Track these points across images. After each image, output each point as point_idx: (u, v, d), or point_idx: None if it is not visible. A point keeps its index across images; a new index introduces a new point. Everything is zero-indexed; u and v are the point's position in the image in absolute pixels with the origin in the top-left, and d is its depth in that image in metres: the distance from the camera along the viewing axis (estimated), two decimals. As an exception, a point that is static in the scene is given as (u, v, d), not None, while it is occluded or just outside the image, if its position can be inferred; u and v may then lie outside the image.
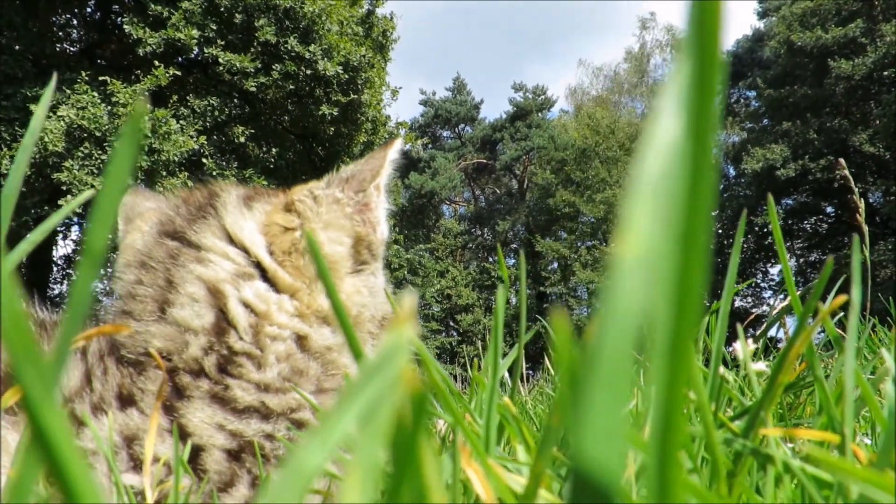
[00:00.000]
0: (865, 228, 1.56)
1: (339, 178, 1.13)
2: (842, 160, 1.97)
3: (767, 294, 26.26)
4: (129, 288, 0.95)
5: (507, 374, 1.52)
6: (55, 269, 16.17)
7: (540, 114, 31.62)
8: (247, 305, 0.96)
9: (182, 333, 0.90)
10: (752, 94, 25.22)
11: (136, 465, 0.80)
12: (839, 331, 0.54)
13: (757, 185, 22.40)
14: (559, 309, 0.19)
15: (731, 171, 26.85)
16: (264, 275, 1.00)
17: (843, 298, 0.43)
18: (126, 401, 0.85)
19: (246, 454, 0.85)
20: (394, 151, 1.18)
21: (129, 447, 0.81)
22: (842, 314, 0.65)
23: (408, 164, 30.18)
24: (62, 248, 16.47)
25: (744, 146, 23.63)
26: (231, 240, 1.01)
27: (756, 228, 23.74)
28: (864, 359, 1.18)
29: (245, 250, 1.01)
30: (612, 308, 0.16)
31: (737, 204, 24.48)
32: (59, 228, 15.07)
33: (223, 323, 0.93)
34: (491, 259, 30.25)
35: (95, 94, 10.84)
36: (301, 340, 0.97)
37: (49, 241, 14.07)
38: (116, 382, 0.85)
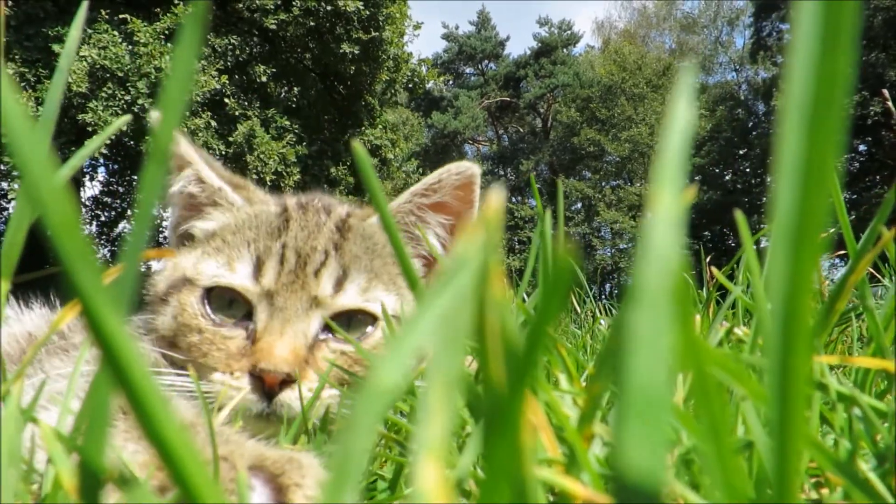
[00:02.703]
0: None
1: None
2: (885, 91, 1.90)
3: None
4: None
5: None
6: (83, 210, 16.39)
7: (565, 50, 30.85)
8: None
9: None
10: (786, 26, 24.31)
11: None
12: None
13: (788, 122, 21.77)
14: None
15: (761, 108, 26.16)
16: None
17: (910, 222, 0.42)
18: None
19: None
20: None
21: None
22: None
23: (430, 103, 29.79)
24: (90, 190, 16.65)
25: (774, 82, 22.93)
26: None
27: (785, 167, 23.19)
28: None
29: None
30: (649, 259, 0.18)
31: (766, 142, 23.91)
32: (85, 170, 15.21)
33: None
34: (514, 199, 30.08)
35: (116, 32, 10.75)
36: None
37: (77, 183, 14.22)
38: None
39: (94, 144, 0.42)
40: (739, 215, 0.40)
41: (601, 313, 2.05)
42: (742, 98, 27.26)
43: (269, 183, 12.43)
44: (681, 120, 0.20)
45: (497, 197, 0.18)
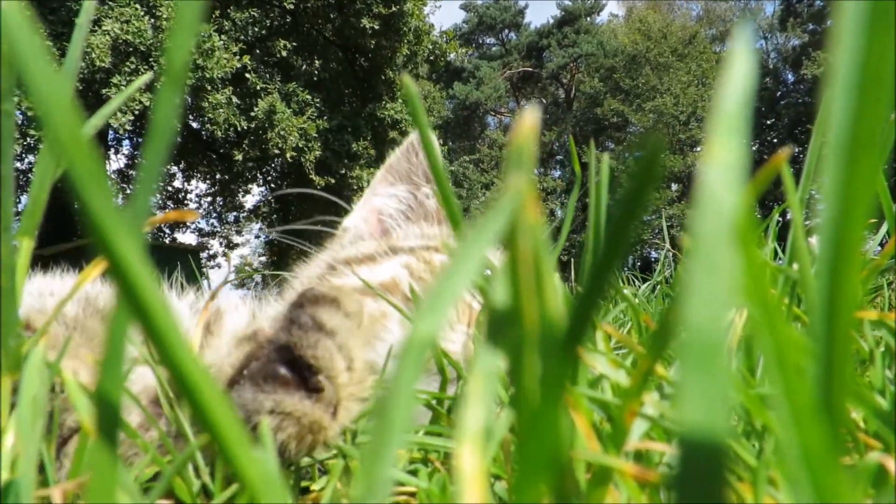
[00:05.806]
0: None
1: None
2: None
3: (822, 206, 25.52)
4: None
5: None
6: (109, 182, 16.52)
7: (589, 18, 30.35)
8: None
9: None
10: (817, -8, 23.70)
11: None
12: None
13: (817, 91, 21.37)
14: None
15: (790, 77, 25.62)
16: None
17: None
18: None
19: None
20: None
21: None
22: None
23: (452, 74, 29.56)
24: (115, 163, 16.83)
25: (804, 50, 22.42)
26: None
27: (814, 137, 22.82)
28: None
29: None
30: (707, 207, 0.18)
31: (794, 112, 23.45)
32: (110, 143, 15.34)
33: None
34: (536, 171, 29.84)
35: (138, 6, 10.77)
36: None
37: (102, 155, 14.36)
38: None
39: (115, 103, 0.42)
40: (784, 163, 0.39)
41: (623, 283, 2.05)
42: (770, 67, 26.68)
43: (290, 159, 12.46)
44: (739, 70, 0.20)
45: (530, 117, 0.17)
